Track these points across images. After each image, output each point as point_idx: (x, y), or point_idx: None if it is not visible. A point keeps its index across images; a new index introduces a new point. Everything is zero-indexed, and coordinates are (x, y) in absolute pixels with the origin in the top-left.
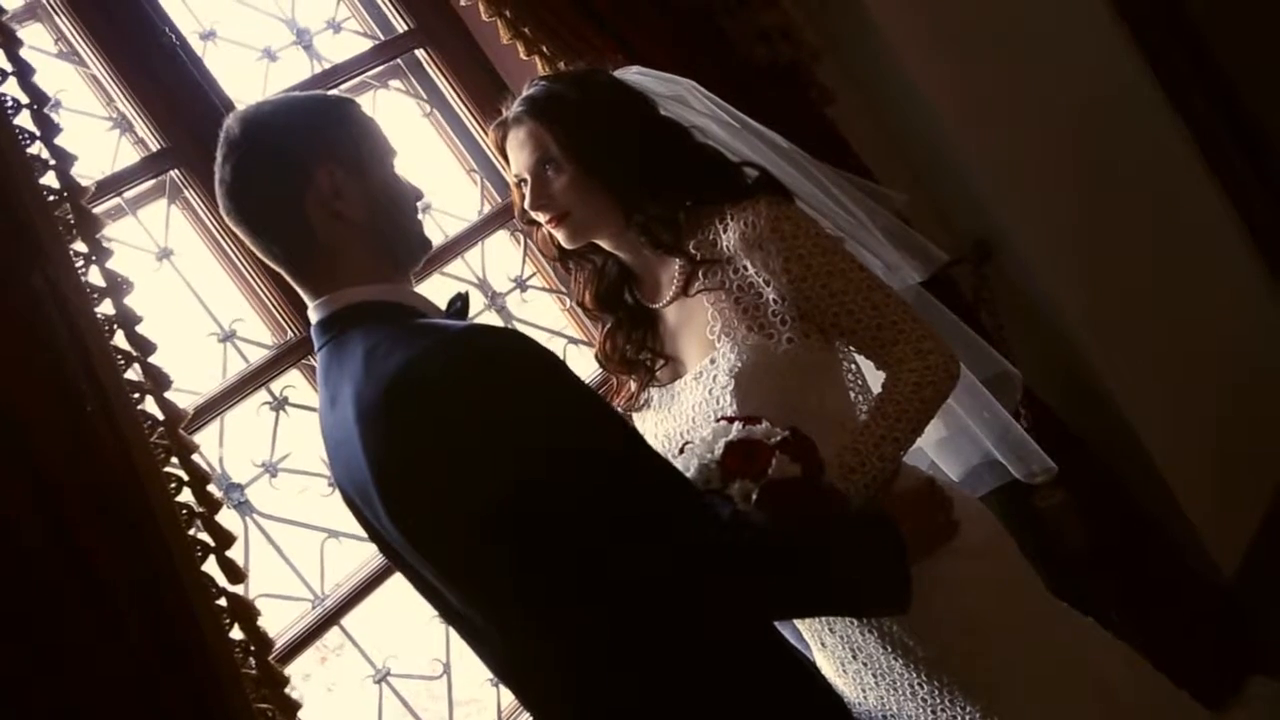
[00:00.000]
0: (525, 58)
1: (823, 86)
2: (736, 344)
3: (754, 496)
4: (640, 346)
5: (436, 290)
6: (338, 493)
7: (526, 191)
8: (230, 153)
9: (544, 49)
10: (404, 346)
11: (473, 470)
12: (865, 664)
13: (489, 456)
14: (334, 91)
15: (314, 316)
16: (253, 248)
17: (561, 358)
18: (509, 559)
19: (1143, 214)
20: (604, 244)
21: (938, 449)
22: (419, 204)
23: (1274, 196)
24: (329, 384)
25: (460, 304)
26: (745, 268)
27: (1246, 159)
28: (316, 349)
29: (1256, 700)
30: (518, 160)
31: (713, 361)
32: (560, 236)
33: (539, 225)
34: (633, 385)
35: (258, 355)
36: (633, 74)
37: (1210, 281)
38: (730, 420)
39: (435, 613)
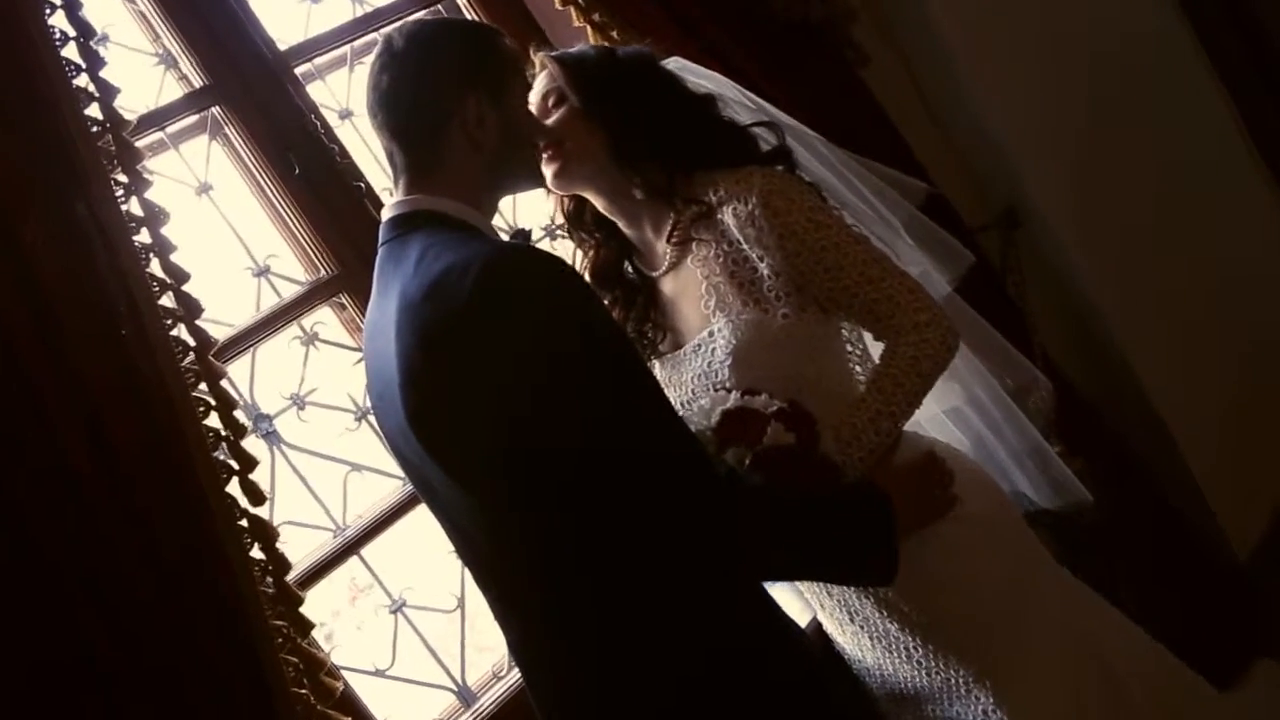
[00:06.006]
0: (561, 7)
1: (858, 47)
2: (732, 319)
3: (747, 462)
4: (642, 319)
5: None
6: (363, 427)
7: None
8: (391, 63)
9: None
10: (455, 250)
11: (490, 376)
12: (862, 626)
13: (510, 368)
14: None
15: (389, 213)
16: (382, 144)
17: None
18: (511, 465)
19: (1178, 191)
20: (598, 203)
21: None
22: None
23: None
24: (383, 278)
25: (524, 237)
26: (739, 242)
27: None
28: (380, 243)
29: (1262, 685)
30: (531, 99)
31: (710, 334)
32: (549, 173)
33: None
34: None
35: (290, 290)
36: (672, 63)
37: (1242, 257)
38: (729, 390)
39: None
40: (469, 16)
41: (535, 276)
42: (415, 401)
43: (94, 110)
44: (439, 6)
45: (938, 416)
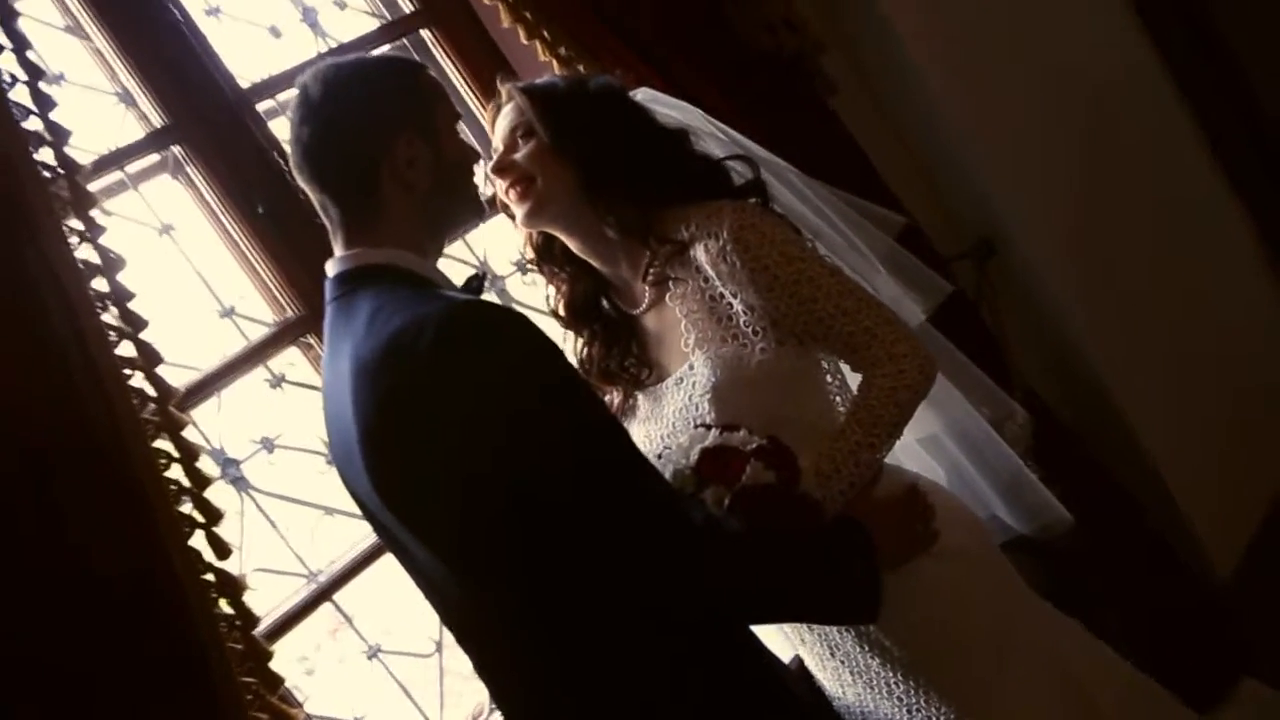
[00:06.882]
0: (526, 42)
1: (826, 77)
2: (711, 357)
3: (726, 502)
4: (624, 356)
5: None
6: (334, 470)
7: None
8: (310, 115)
9: (544, 34)
10: (407, 310)
11: (454, 439)
12: (843, 662)
13: (472, 428)
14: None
15: (332, 270)
16: (313, 200)
17: (560, 347)
18: (480, 529)
19: (1150, 217)
20: (570, 243)
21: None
22: (477, 165)
23: None
24: (333, 337)
25: (476, 285)
26: (712, 278)
27: (1260, 161)
28: (327, 302)
29: (1247, 704)
30: (498, 132)
31: (691, 368)
32: (520, 212)
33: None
34: (615, 397)
35: (257, 332)
36: (641, 94)
37: (1216, 284)
38: (708, 427)
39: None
40: (436, 53)
41: (490, 332)
42: (379, 467)
43: (46, 154)
44: (404, 41)
45: (911, 445)
